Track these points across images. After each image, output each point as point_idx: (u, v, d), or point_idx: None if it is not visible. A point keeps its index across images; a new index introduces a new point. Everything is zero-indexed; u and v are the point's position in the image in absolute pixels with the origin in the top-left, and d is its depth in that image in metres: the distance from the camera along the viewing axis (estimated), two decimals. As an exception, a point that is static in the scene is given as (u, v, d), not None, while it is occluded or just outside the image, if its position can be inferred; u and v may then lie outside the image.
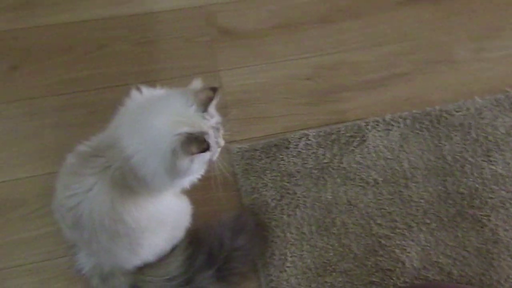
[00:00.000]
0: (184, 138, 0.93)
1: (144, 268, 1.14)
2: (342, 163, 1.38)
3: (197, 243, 1.19)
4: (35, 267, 1.22)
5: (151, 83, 1.38)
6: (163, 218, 1.08)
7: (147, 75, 1.45)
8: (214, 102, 1.00)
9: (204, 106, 0.98)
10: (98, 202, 0.97)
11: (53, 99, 1.39)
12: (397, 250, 1.30)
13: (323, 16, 1.57)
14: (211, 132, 0.99)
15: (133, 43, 1.48)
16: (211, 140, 0.98)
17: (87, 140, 1.05)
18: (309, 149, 1.39)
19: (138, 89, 1.04)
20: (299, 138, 1.41)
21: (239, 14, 1.55)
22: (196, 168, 0.99)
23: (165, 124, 0.94)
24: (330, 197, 1.35)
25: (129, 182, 0.97)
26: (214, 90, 0.99)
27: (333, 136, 1.41)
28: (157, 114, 0.96)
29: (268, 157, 1.38)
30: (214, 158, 1.05)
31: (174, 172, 0.95)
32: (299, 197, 1.34)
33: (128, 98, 1.03)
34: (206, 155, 1.00)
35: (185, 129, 0.94)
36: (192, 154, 0.94)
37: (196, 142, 0.94)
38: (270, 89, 1.48)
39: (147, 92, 1.04)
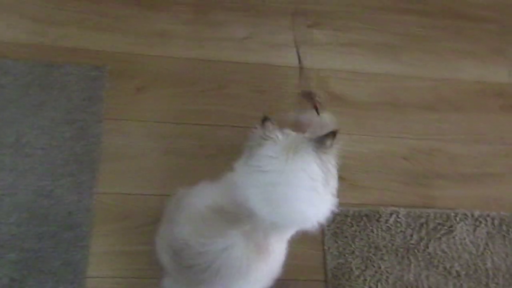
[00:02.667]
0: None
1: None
2: (428, 247, 1.41)
3: None
4: (125, 282, 1.26)
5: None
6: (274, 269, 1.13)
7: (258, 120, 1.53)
8: None
9: None
10: (231, 262, 1.02)
11: (170, 125, 1.47)
12: None
13: (428, 103, 1.64)
14: None
15: (250, 89, 1.56)
16: None
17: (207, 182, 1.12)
18: (398, 226, 1.43)
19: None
20: (390, 214, 1.45)
21: (350, 84, 1.63)
22: None
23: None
24: (412, 279, 1.37)
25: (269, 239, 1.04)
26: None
27: (422, 220, 1.45)
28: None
29: (358, 226, 1.42)
30: None
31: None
32: (382, 271, 1.37)
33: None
34: None
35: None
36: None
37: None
38: (367, 160, 1.54)
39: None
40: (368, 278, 1.35)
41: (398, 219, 1.44)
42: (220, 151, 1.46)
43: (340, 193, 1.45)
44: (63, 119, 1.38)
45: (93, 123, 1.39)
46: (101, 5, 1.59)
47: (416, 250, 1.40)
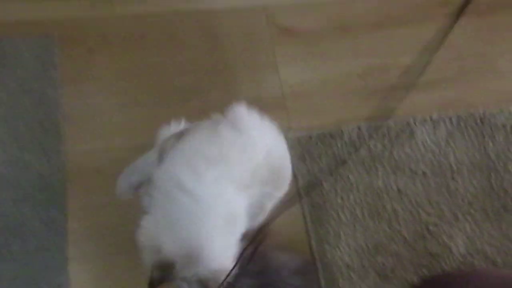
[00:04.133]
0: None
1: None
2: (392, 154, 1.47)
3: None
4: (107, 230, 1.30)
5: (216, 72, 1.55)
6: None
7: (212, 64, 1.56)
8: None
9: None
10: None
11: (126, 80, 1.50)
12: (444, 237, 1.38)
13: (375, 22, 1.68)
14: None
15: (199, 35, 1.60)
16: None
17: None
18: (361, 139, 1.48)
19: None
20: (352, 129, 1.50)
21: (298, 15, 1.67)
22: None
23: None
24: (381, 184, 1.43)
25: None
26: None
27: (384, 129, 1.50)
28: None
29: (323, 144, 1.47)
30: None
31: None
32: (352, 182, 1.42)
33: None
34: None
35: None
36: None
37: None
38: (325, 84, 1.59)
39: None
40: (339, 190, 1.41)
41: (361, 133, 1.49)
42: (180, 97, 1.50)
43: (302, 117, 1.54)
44: (21, 89, 1.40)
45: (51, 89, 1.42)
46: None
47: (381, 158, 1.46)
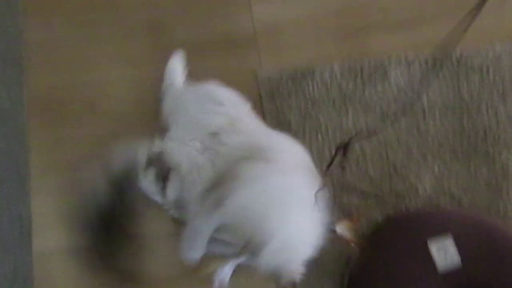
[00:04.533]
0: None
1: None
2: (364, 94, 1.44)
3: None
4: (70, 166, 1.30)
5: (184, 6, 1.49)
6: None
7: (183, 2, 1.51)
8: None
9: None
10: None
11: (90, 13, 1.45)
12: (411, 177, 1.37)
13: (355, -43, 1.62)
14: None
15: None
16: None
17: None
18: (333, 79, 1.45)
19: None
20: (324, 69, 1.46)
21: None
22: None
23: None
24: (351, 124, 1.41)
25: None
26: None
27: (357, 69, 1.47)
28: None
29: (293, 83, 1.44)
30: None
31: None
32: (321, 122, 1.40)
33: None
34: None
35: None
36: None
37: None
38: (299, 22, 1.53)
39: None
40: (307, 130, 1.39)
41: (333, 72, 1.46)
42: (147, 31, 1.46)
43: (273, 56, 1.50)
44: (-21, 20, 1.36)
45: (12, 19, 1.37)
46: None
47: (352, 98, 1.44)
